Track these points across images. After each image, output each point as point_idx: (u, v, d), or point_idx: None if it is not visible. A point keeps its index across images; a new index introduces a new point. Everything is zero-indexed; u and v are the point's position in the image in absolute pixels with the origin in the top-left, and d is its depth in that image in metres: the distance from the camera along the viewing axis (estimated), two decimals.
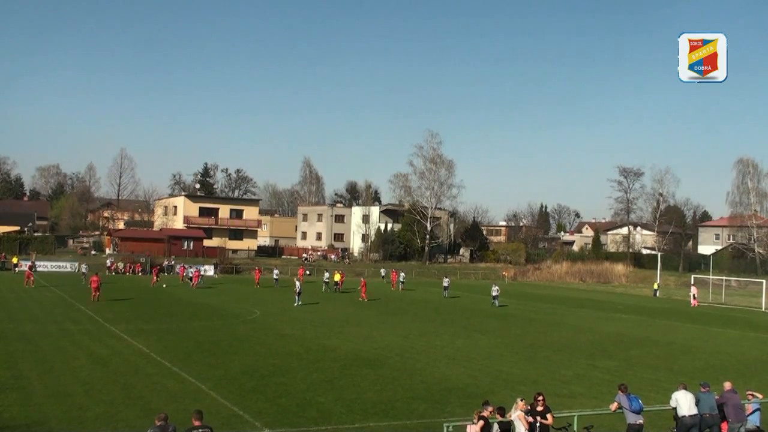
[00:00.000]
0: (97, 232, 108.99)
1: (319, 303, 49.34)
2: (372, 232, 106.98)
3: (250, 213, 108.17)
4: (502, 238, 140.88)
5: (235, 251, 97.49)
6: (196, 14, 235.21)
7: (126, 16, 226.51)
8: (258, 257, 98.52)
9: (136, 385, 20.85)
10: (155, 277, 60.15)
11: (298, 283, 48.57)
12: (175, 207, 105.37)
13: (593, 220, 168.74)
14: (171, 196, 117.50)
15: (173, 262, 77.15)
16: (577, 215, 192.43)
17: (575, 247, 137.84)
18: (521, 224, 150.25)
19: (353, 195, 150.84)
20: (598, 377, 24.93)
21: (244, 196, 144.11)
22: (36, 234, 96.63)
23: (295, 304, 46.08)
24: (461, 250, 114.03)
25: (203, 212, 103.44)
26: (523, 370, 25.94)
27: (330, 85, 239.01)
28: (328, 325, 37.34)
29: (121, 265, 75.06)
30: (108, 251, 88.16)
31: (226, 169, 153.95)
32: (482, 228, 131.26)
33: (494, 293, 50.35)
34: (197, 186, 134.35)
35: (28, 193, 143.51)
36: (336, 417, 18.22)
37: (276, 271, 64.65)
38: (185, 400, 19.06)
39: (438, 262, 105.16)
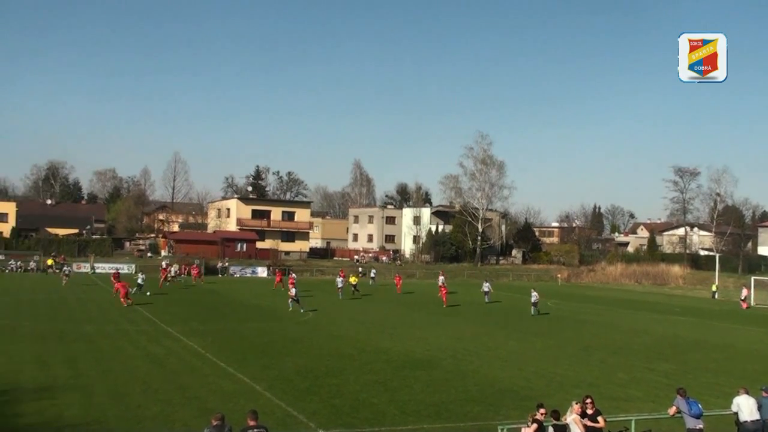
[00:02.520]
0: (152, 235, 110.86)
1: (372, 304, 49.51)
2: (423, 234, 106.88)
3: (302, 215, 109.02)
4: (554, 239, 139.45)
5: (287, 253, 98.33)
6: (247, 16, 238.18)
7: (179, 20, 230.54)
8: (310, 259, 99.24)
9: (192, 385, 21.14)
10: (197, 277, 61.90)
11: (339, 280, 53.72)
12: (228, 209, 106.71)
13: (648, 221, 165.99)
14: (224, 198, 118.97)
15: (227, 264, 78.10)
16: (632, 216, 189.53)
17: (630, 249, 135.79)
18: (574, 225, 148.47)
19: (404, 197, 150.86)
20: (655, 380, 24.48)
21: (296, 199, 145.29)
22: (94, 236, 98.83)
23: (340, 297, 51.26)
24: (513, 252, 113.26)
25: (256, 214, 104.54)
26: (578, 372, 25.60)
27: (380, 86, 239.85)
28: (380, 326, 37.39)
29: (175, 266, 76.19)
30: (163, 253, 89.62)
31: (278, 172, 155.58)
32: (534, 229, 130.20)
33: (533, 299, 46.41)
34: (249, 189, 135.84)
35: (85, 197, 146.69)
36: (389, 418, 18.22)
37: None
38: (240, 400, 19.27)
39: (490, 263, 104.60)
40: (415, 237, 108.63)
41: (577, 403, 14.68)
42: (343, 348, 29.38)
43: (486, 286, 55.06)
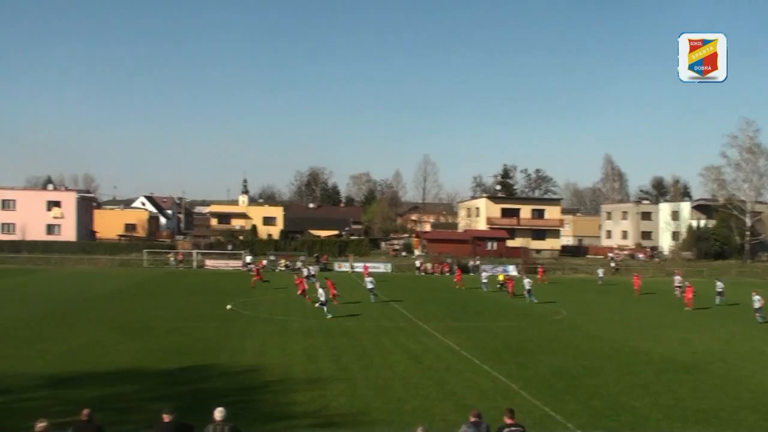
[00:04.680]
0: (406, 235, 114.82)
1: (627, 304, 47.57)
2: (683, 229, 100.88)
3: (552, 213, 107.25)
4: None
5: (538, 251, 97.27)
6: (498, 18, 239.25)
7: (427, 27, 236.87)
8: (562, 257, 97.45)
9: (449, 381, 21.51)
10: (458, 278, 60.72)
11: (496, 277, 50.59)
12: (478, 209, 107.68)
13: None
14: (473, 198, 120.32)
15: (478, 263, 78.78)
16: None
17: None
18: None
19: (660, 191, 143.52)
20: None
21: (545, 196, 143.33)
22: (352, 237, 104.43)
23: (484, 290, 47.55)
24: None
25: (505, 213, 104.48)
26: None
27: (625, 79, 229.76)
28: (638, 326, 35.76)
29: (429, 265, 78.18)
30: (417, 252, 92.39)
31: (526, 170, 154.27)
32: None
33: (756, 305, 38.91)
34: (498, 187, 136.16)
35: (343, 200, 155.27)
36: (653, 423, 17.35)
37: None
38: (496, 398, 19.31)
39: (761, 260, 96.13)
40: (674, 233, 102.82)
41: None
42: (600, 348, 28.47)
43: (719, 286, 49.14)
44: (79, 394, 18.51)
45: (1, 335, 28.61)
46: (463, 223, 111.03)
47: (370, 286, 46.30)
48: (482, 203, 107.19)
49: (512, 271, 76.43)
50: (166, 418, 11.98)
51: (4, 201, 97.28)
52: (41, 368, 22.13)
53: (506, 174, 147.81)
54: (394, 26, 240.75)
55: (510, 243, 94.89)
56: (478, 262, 78.77)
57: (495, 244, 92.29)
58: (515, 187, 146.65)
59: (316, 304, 37.81)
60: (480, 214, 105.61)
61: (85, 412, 12.05)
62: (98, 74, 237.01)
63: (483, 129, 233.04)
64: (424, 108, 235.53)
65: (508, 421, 12.54)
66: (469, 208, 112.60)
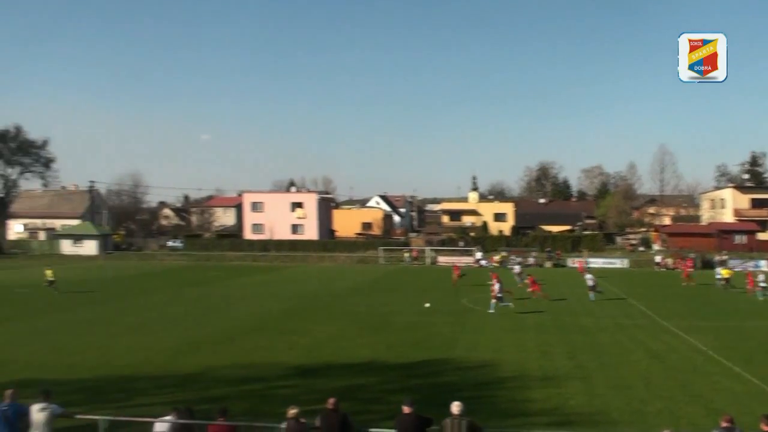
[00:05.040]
0: (643, 229, 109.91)
1: None
2: None
3: None
4: None
5: None
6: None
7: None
8: None
9: (695, 383, 20.30)
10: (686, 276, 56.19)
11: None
12: (723, 200, 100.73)
13: None
14: (717, 188, 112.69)
15: (725, 258, 73.51)
16: None
17: None
18: None
19: None
20: None
21: None
22: (585, 232, 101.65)
23: None
24: None
25: (755, 203, 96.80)
26: None
27: None
28: None
29: (670, 260, 74.19)
30: (656, 247, 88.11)
31: None
32: None
33: None
34: (745, 176, 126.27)
35: (575, 194, 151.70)
36: None
37: None
38: (751, 403, 17.93)
39: None
40: None
41: None
42: None
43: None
44: (325, 384, 19.63)
45: (257, 328, 31.02)
46: (706, 215, 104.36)
47: (590, 283, 44.67)
48: (728, 194, 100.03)
49: (764, 266, 70.47)
50: (407, 410, 12.30)
51: (253, 204, 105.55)
52: (291, 359, 23.72)
53: (755, 162, 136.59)
54: (617, 19, 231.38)
55: (761, 236, 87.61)
56: (725, 257, 73.48)
57: (744, 238, 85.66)
58: (766, 176, 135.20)
59: (492, 300, 37.43)
60: (725, 206, 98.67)
61: (332, 401, 12.69)
62: (335, 83, 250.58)
63: (725, 114, 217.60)
64: (658, 97, 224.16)
65: (766, 428, 11.57)
66: (712, 200, 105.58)
